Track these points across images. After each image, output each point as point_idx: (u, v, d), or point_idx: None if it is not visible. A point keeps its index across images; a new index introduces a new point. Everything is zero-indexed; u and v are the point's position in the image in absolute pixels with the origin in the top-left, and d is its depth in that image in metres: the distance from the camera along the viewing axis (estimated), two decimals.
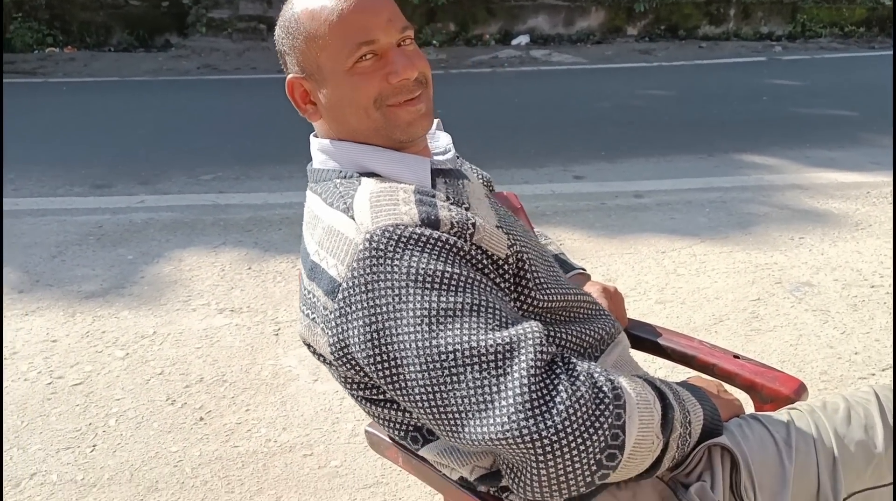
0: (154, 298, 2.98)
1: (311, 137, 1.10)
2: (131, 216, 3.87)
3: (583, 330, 1.03)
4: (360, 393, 1.00)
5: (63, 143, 5.30)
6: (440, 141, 1.18)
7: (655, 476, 0.99)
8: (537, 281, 0.97)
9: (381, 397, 0.98)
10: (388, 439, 1.14)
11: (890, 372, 2.40)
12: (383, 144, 1.02)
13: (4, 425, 2.22)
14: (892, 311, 2.77)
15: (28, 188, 4.35)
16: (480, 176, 1.23)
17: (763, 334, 2.65)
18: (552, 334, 0.98)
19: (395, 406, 0.99)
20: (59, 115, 6.20)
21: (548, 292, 0.98)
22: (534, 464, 0.81)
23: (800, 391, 1.18)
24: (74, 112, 6.31)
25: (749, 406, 1.28)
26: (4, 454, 2.09)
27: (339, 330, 0.90)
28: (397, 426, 1.01)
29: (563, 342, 0.99)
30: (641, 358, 1.29)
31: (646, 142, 5.24)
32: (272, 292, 3.01)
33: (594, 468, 0.82)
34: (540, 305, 0.97)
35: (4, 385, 2.40)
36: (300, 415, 2.26)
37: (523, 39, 9.57)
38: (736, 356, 1.25)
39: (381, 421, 1.03)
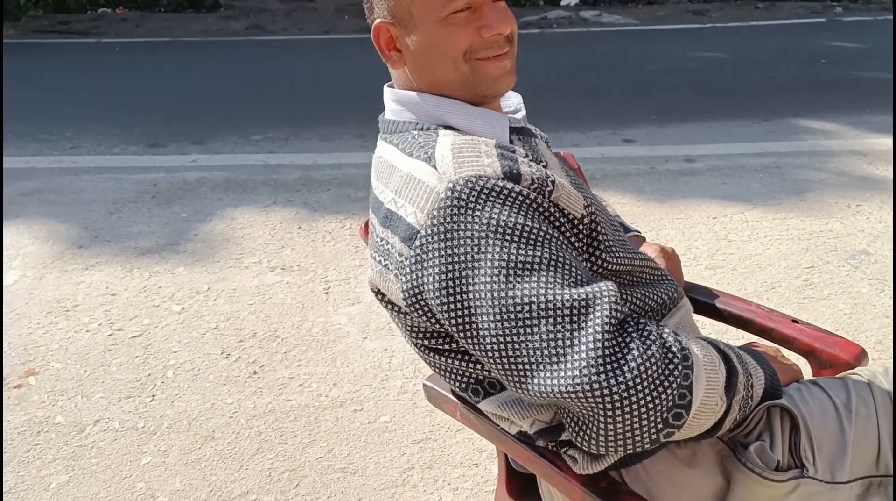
0: (208, 255, 3.04)
1: (386, 87, 1.10)
2: (184, 175, 3.94)
3: (646, 294, 1.03)
4: (426, 343, 1.01)
5: (118, 102, 5.39)
6: (511, 100, 1.18)
7: (715, 437, 0.99)
8: (607, 243, 0.97)
9: (446, 347, 1.00)
10: (446, 393, 1.16)
11: None
12: (463, 98, 1.02)
13: (70, 373, 2.31)
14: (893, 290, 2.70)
15: (86, 146, 4.45)
16: (541, 136, 1.23)
17: (816, 302, 2.61)
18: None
19: (459, 357, 1.00)
20: (113, 75, 6.30)
21: (615, 254, 0.98)
22: (601, 419, 0.82)
23: (860, 357, 1.17)
24: (128, 72, 6.41)
25: (807, 372, 1.27)
26: (70, 400, 2.18)
27: (414, 277, 0.91)
28: (459, 377, 1.03)
29: (629, 305, 1.00)
30: (697, 321, 1.29)
31: (698, 106, 5.14)
32: (322, 252, 3.05)
33: (660, 426, 0.83)
34: (608, 267, 0.98)
35: (68, 335, 2.49)
36: (350, 371, 2.30)
37: (573, 0, 9.39)
38: (795, 321, 1.24)
39: (443, 373, 1.04)
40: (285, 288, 2.78)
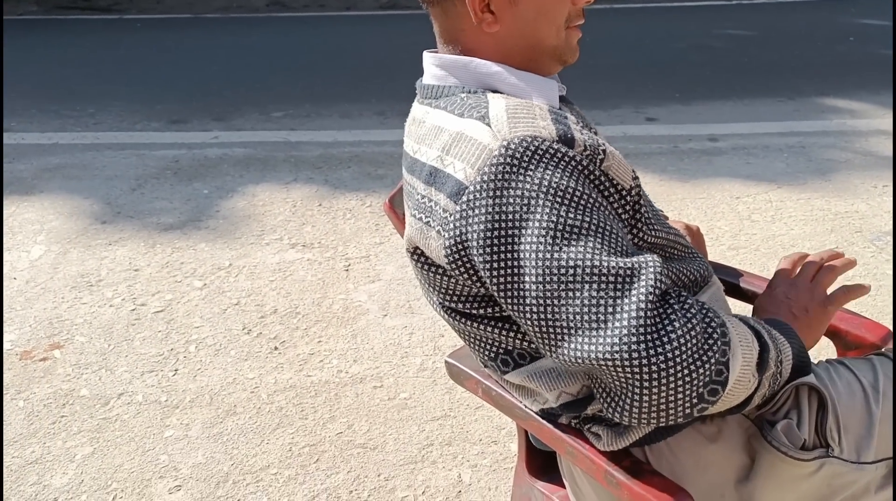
0: (229, 231, 3.06)
1: (427, 53, 1.08)
2: (206, 152, 3.95)
3: (681, 269, 1.02)
4: (460, 307, 1.00)
5: (140, 79, 5.41)
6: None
7: (742, 414, 0.99)
8: (647, 217, 0.96)
9: (481, 312, 0.99)
10: (468, 370, 1.16)
11: None
12: (543, 63, 1.03)
13: (94, 347, 2.34)
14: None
15: (108, 123, 4.48)
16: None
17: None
18: None
19: (493, 324, 0.99)
20: (135, 51, 6.32)
21: (654, 228, 0.98)
22: (637, 389, 0.82)
23: (887, 338, 1.16)
24: (149, 49, 6.42)
25: (832, 352, 1.26)
26: (94, 373, 2.21)
27: (459, 232, 0.90)
28: (489, 346, 1.03)
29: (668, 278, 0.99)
30: None
31: (723, 84, 5.07)
32: (342, 229, 3.06)
33: (695, 400, 0.82)
34: (647, 240, 0.97)
35: (92, 310, 2.52)
36: (370, 348, 2.31)
37: None
38: None
39: (472, 341, 1.04)
40: (306, 265, 2.79)
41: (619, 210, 0.93)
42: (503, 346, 1.01)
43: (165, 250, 2.91)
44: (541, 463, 1.29)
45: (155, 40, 6.71)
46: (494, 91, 1.00)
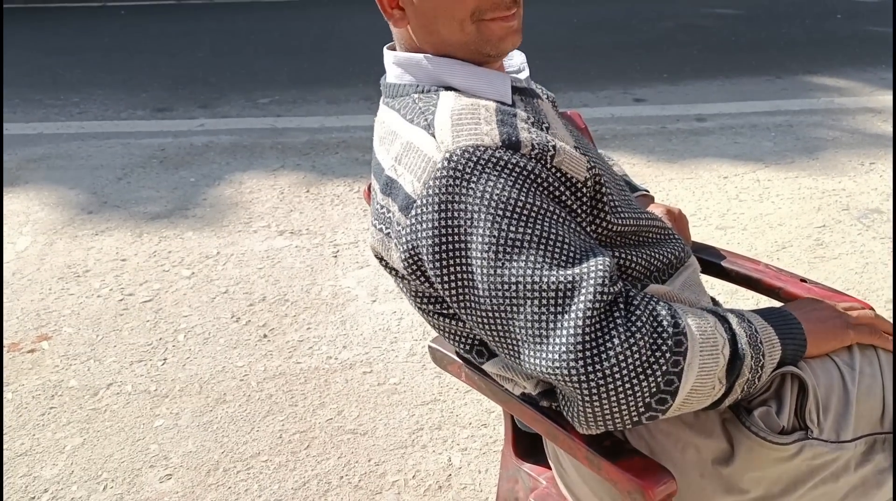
0: (216, 219, 3.05)
1: (386, 49, 1.08)
2: (192, 139, 3.93)
3: (652, 254, 1.02)
4: (430, 307, 1.02)
5: (124, 67, 5.37)
6: (514, 59, 1.16)
7: None
8: (612, 204, 0.96)
9: (449, 311, 1.00)
10: (451, 354, 1.16)
11: None
12: (466, 58, 1.01)
13: (82, 337, 2.33)
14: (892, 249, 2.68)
15: (93, 112, 4.44)
16: (547, 96, 1.21)
17: (827, 261, 2.60)
18: (622, 257, 0.98)
19: (462, 320, 1.01)
20: (120, 39, 6.26)
21: (621, 215, 0.98)
22: (580, 401, 0.84)
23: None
24: (134, 36, 6.37)
25: None
26: (83, 364, 2.21)
27: (411, 246, 0.92)
28: (463, 340, 1.03)
29: (633, 265, 0.99)
30: (706, 283, 1.28)
31: (710, 63, 5.06)
32: (330, 215, 3.05)
33: (642, 409, 0.84)
34: (613, 228, 0.97)
35: (79, 301, 2.51)
36: (359, 334, 2.31)
37: None
38: (803, 280, 1.23)
39: (447, 335, 1.05)
40: (294, 252, 2.78)
41: (575, 205, 0.92)
42: (477, 338, 1.03)
43: (153, 240, 2.90)
44: (527, 445, 1.30)
45: (139, 27, 6.65)
46: (448, 87, 1.00)
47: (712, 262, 1.32)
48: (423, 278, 0.95)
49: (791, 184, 3.19)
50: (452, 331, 1.03)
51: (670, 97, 4.44)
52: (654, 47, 5.52)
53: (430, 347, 1.20)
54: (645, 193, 1.33)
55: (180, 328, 2.37)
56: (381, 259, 1.04)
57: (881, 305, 2.33)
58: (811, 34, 5.73)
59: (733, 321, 0.93)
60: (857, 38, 5.55)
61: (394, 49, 1.08)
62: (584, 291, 0.83)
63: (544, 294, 0.84)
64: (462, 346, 1.04)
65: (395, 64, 1.05)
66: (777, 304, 1.13)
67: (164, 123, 4.22)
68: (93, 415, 2.01)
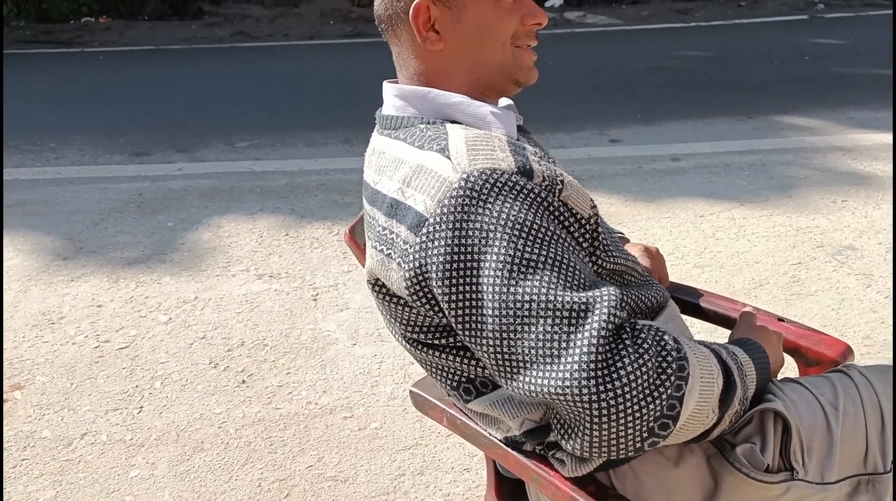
0: (194, 264, 3.03)
1: (386, 83, 1.09)
2: (170, 184, 3.92)
3: (638, 295, 1.03)
4: (422, 337, 1.00)
5: (102, 112, 5.37)
6: (502, 101, 1.18)
7: None
8: (605, 244, 0.98)
9: (443, 342, 0.99)
10: (433, 399, 1.15)
11: None
12: (494, 84, 1.04)
13: (56, 386, 2.29)
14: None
15: (69, 157, 4.42)
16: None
17: (804, 298, 2.62)
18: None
19: (454, 353, 1.00)
20: (97, 84, 6.27)
21: (612, 255, 0.99)
22: (587, 424, 0.83)
23: (846, 354, 1.17)
24: (112, 81, 6.38)
25: (793, 370, 1.27)
26: (56, 414, 2.16)
27: (419, 264, 0.91)
28: (451, 375, 1.02)
29: (627, 307, 1.00)
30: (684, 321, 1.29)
31: (683, 104, 5.15)
32: (309, 258, 3.04)
33: (645, 434, 0.83)
34: (606, 267, 0.98)
35: (54, 349, 2.47)
36: (340, 378, 2.29)
37: (557, 1, 9.41)
38: (780, 319, 1.24)
39: (434, 370, 1.04)
40: (273, 296, 2.77)
41: (581, 239, 0.94)
42: (465, 374, 1.01)
43: (129, 285, 2.87)
44: (510, 490, 1.28)
45: (117, 73, 6.67)
46: (453, 122, 1.01)
47: (690, 301, 1.33)
48: (424, 300, 0.94)
49: (766, 222, 3.23)
50: (440, 366, 1.02)
51: (645, 138, 4.50)
52: (628, 89, 5.62)
53: (411, 391, 1.19)
54: (621, 235, 1.34)
55: (157, 374, 2.33)
56: (376, 285, 1.03)
57: (857, 341, 2.35)
58: (780, 75, 5.86)
59: (723, 353, 0.94)
60: (825, 79, 5.69)
61: (396, 83, 1.09)
62: (597, 312, 0.83)
63: (558, 313, 0.84)
64: (450, 382, 1.03)
65: (398, 96, 1.05)
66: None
67: (141, 168, 4.21)
68: (66, 466, 1.96)
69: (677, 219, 3.29)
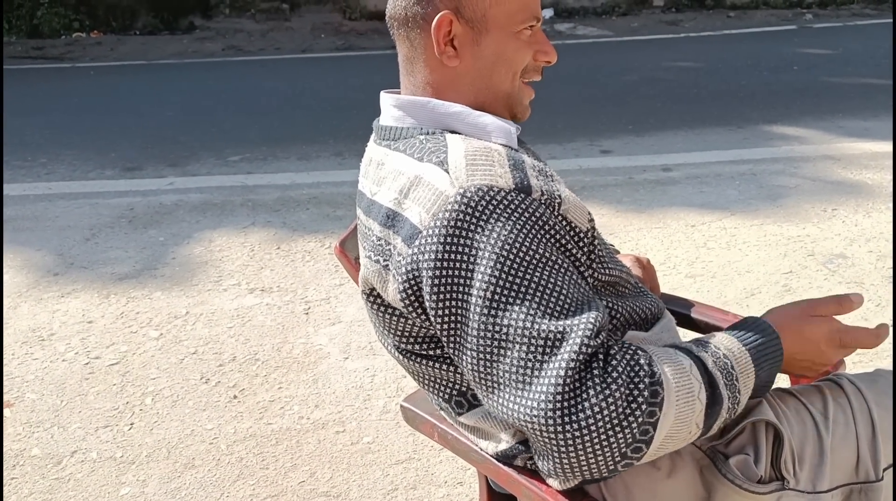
0: (186, 279, 3.01)
1: (384, 93, 1.08)
2: (161, 198, 3.91)
3: (634, 306, 1.03)
4: (415, 348, 1.01)
5: (93, 127, 5.36)
6: None
7: (694, 445, 0.99)
8: (601, 255, 0.98)
9: (436, 352, 0.99)
10: (423, 414, 1.15)
11: None
12: (494, 110, 1.05)
13: (45, 404, 2.27)
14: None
15: (60, 172, 4.41)
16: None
17: None
18: (610, 306, 0.99)
19: (447, 364, 1.00)
20: (88, 99, 6.26)
21: (608, 266, 0.99)
22: (555, 452, 0.84)
23: (837, 363, 1.17)
24: (103, 96, 6.37)
25: (784, 380, 1.27)
26: (46, 431, 2.14)
27: (412, 274, 0.91)
28: (444, 387, 1.02)
29: (617, 315, 1.00)
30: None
31: (674, 115, 5.18)
32: (301, 272, 3.03)
33: (618, 458, 0.84)
34: (601, 278, 0.98)
35: (44, 365, 2.45)
36: (332, 392, 2.28)
37: (547, 13, 9.45)
38: None
39: (427, 382, 1.04)
40: (265, 310, 2.76)
41: (578, 253, 0.94)
42: (458, 386, 1.01)
43: (120, 301, 2.85)
44: None
45: (109, 88, 6.66)
46: (453, 132, 1.01)
47: (681, 312, 1.33)
48: (419, 310, 0.94)
49: (757, 231, 3.24)
50: (434, 377, 1.02)
51: (636, 148, 4.52)
52: (618, 100, 5.64)
53: (402, 406, 1.18)
54: (612, 247, 1.34)
55: (148, 390, 2.32)
56: (371, 295, 1.03)
57: None
58: (770, 85, 5.90)
59: (709, 362, 0.90)
60: (814, 89, 5.72)
61: (396, 93, 1.08)
62: (570, 342, 0.84)
63: (533, 341, 0.84)
64: (442, 395, 1.03)
65: (396, 107, 1.05)
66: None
67: (133, 183, 4.20)
68: (56, 485, 1.95)
69: (669, 229, 3.30)
